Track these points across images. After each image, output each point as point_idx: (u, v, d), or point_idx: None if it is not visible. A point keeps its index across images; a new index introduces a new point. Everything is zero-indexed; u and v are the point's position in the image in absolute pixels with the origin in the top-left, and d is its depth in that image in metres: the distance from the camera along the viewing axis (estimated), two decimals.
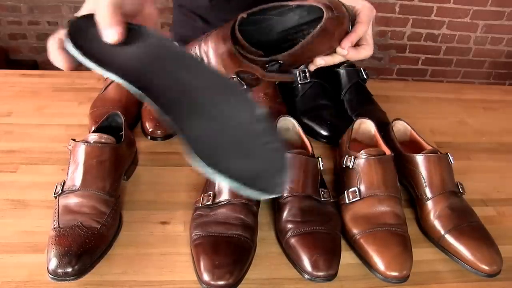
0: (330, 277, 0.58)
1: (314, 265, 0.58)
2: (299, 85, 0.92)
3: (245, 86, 0.56)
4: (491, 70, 2.61)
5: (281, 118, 0.80)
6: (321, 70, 0.93)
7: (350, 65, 0.95)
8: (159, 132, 0.81)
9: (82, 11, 0.48)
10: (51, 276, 0.54)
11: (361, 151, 0.70)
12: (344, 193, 0.69)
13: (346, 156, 0.72)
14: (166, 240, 0.64)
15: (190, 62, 0.48)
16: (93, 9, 0.47)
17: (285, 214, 0.65)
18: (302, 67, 0.92)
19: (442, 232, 0.65)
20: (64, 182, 0.64)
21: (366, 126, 0.81)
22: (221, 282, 0.55)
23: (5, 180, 0.72)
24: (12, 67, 1.79)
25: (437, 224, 0.66)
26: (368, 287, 0.61)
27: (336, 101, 0.93)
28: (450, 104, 1.07)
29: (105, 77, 0.87)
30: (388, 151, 0.72)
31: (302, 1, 0.55)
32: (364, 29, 0.57)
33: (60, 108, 0.91)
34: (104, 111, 0.80)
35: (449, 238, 0.64)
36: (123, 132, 0.72)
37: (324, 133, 0.86)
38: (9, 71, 1.04)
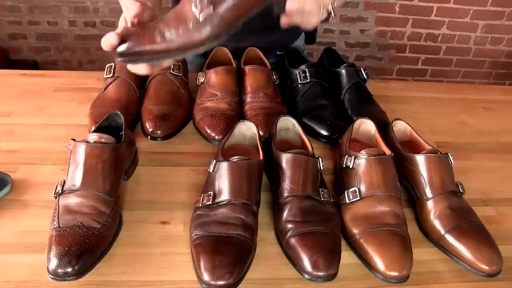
0: (330, 277, 0.59)
1: (314, 265, 0.58)
2: (299, 85, 0.92)
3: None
4: (491, 70, 2.61)
5: (281, 118, 0.80)
6: (321, 70, 0.94)
7: (350, 65, 0.95)
8: (159, 132, 0.81)
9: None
10: (51, 276, 0.55)
11: (361, 151, 0.70)
12: (344, 193, 0.69)
13: (346, 156, 0.72)
14: (166, 240, 0.64)
15: None
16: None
17: (285, 214, 0.65)
18: (302, 67, 0.92)
19: (442, 232, 0.65)
20: (64, 182, 0.64)
21: (366, 126, 0.81)
22: (221, 282, 0.55)
23: None
24: (12, 67, 1.79)
25: (437, 224, 0.66)
26: (368, 287, 0.61)
27: (336, 101, 0.93)
28: (450, 104, 1.07)
29: (106, 77, 0.87)
30: (388, 151, 0.72)
31: None
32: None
33: (60, 108, 0.91)
34: (104, 111, 0.80)
35: (449, 238, 0.64)
36: (123, 132, 0.72)
37: (324, 133, 0.86)
38: (9, 71, 1.04)
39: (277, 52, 1.10)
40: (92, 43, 2.30)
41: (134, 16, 0.61)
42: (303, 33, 1.17)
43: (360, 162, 0.69)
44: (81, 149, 0.63)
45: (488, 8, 2.32)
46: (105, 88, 0.86)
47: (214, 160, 0.67)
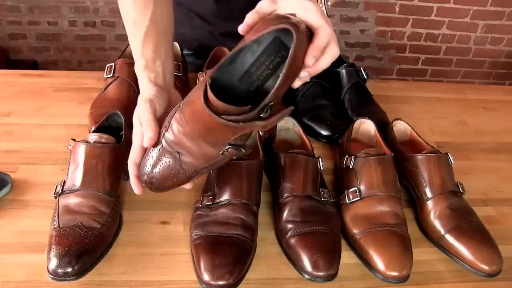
0: (330, 277, 0.58)
1: (314, 265, 0.58)
2: None
3: (243, 151, 0.54)
4: (491, 70, 2.61)
5: None
6: None
7: (350, 65, 0.95)
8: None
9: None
10: (51, 276, 0.54)
11: (361, 151, 0.70)
12: (344, 193, 0.69)
13: (346, 156, 0.72)
14: (166, 240, 0.64)
15: None
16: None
17: (285, 214, 0.65)
18: None
19: (442, 232, 0.65)
20: (64, 182, 0.64)
21: (366, 126, 0.81)
22: (221, 282, 0.55)
23: None
24: (12, 67, 1.79)
25: (437, 224, 0.66)
26: (368, 287, 0.61)
27: (336, 101, 0.93)
28: (450, 104, 1.07)
29: (106, 77, 0.87)
30: (388, 151, 0.72)
31: (255, 34, 0.49)
32: (324, 35, 0.50)
33: (60, 108, 0.91)
34: (104, 111, 0.79)
35: (449, 238, 0.64)
36: (123, 132, 0.72)
37: (324, 133, 0.86)
38: (9, 71, 1.04)
39: None
40: (92, 43, 2.30)
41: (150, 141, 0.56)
42: None
43: (360, 162, 0.69)
44: (81, 149, 0.63)
45: (488, 8, 2.32)
46: (105, 88, 0.86)
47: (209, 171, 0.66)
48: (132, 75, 0.87)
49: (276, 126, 0.79)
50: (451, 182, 0.69)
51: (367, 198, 0.67)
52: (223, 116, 0.48)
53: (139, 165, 0.57)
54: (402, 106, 1.03)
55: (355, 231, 0.65)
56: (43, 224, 0.62)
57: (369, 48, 2.46)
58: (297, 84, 0.53)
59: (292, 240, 0.61)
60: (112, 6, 2.18)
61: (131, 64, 0.88)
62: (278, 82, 0.48)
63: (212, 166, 0.56)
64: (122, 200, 0.69)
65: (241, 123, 0.48)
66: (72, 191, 0.62)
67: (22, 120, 0.86)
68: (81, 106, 0.90)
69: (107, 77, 0.87)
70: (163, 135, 0.54)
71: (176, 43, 0.98)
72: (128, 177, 0.72)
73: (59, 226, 0.58)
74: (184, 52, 0.99)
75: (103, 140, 0.66)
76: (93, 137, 0.66)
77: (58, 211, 0.61)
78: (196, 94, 0.50)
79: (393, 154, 0.71)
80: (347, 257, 0.64)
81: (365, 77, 0.94)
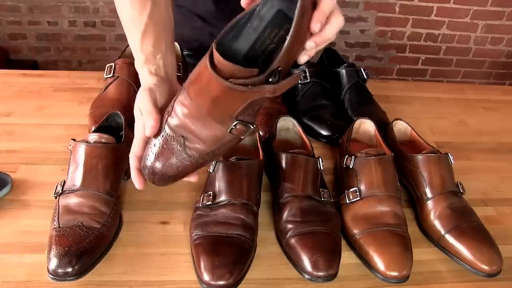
0: (330, 277, 0.58)
1: (314, 265, 0.58)
2: (299, 85, 0.92)
3: (252, 127, 0.51)
4: (491, 70, 2.61)
5: (281, 118, 0.80)
6: (321, 70, 0.94)
7: (350, 65, 0.95)
8: None
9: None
10: (51, 276, 0.55)
11: (361, 151, 0.70)
12: (344, 193, 0.69)
13: (346, 156, 0.72)
14: (166, 240, 0.64)
15: None
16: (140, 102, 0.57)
17: (285, 214, 0.65)
18: (302, 66, 0.92)
19: (442, 232, 0.65)
20: (64, 182, 0.64)
21: (366, 126, 0.81)
22: (221, 282, 0.55)
23: None
24: (12, 67, 1.79)
25: (437, 224, 0.66)
26: (368, 287, 0.61)
27: (336, 101, 0.93)
28: (450, 104, 1.07)
29: (106, 77, 0.87)
30: (388, 151, 0.72)
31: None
32: (328, 2, 0.48)
33: (60, 108, 0.91)
34: (104, 111, 0.79)
35: (449, 238, 0.64)
36: (123, 132, 0.72)
37: (324, 133, 0.86)
38: (9, 71, 1.04)
39: None
40: (92, 43, 2.30)
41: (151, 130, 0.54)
42: None
43: (360, 162, 0.69)
44: (81, 149, 0.63)
45: (488, 8, 2.32)
46: (105, 88, 0.86)
47: (214, 160, 0.67)
48: (132, 75, 0.87)
49: (276, 126, 0.79)
50: (451, 182, 0.69)
51: (367, 198, 0.67)
52: (231, 80, 0.45)
53: (141, 158, 0.55)
54: (402, 106, 1.03)
55: (355, 231, 0.65)
56: (43, 224, 0.62)
57: (369, 48, 2.46)
58: (303, 59, 0.51)
59: (292, 240, 0.61)
60: (112, 6, 2.18)
61: (131, 64, 0.88)
62: (285, 45, 0.45)
63: (219, 150, 0.53)
64: (122, 200, 0.69)
65: (249, 87, 0.45)
66: (72, 191, 0.62)
67: (22, 120, 0.86)
68: (81, 106, 0.90)
69: (107, 77, 0.87)
70: (166, 120, 0.52)
71: (176, 43, 0.98)
72: (128, 177, 0.72)
73: (59, 226, 0.58)
74: (184, 52, 0.99)
75: (103, 140, 0.66)
76: (93, 137, 0.66)
77: (58, 211, 0.61)
78: (201, 64, 0.47)
79: (393, 154, 0.71)
80: (347, 257, 0.64)
81: (365, 77, 0.94)
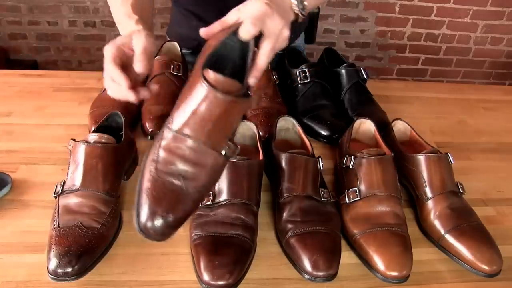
0: (330, 277, 0.59)
1: (314, 265, 0.58)
2: (299, 85, 0.92)
3: (238, 147, 0.54)
4: (491, 70, 2.61)
5: (281, 118, 0.80)
6: (321, 70, 0.94)
7: (350, 65, 0.95)
8: (159, 132, 0.81)
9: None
10: (51, 276, 0.55)
11: (361, 151, 0.70)
12: (344, 193, 0.69)
13: (346, 156, 0.72)
14: (166, 240, 0.64)
15: None
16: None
17: (285, 214, 0.65)
18: (302, 66, 0.92)
19: (442, 232, 0.65)
20: (64, 182, 0.64)
21: (366, 126, 0.81)
22: (221, 282, 0.55)
23: None
24: (12, 67, 1.79)
25: (437, 224, 0.66)
26: (368, 287, 0.61)
27: (336, 101, 0.93)
28: (450, 104, 1.07)
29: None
30: (388, 151, 0.72)
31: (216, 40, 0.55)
32: (263, 58, 0.56)
33: (60, 108, 0.91)
34: (104, 111, 0.79)
35: (449, 238, 0.64)
36: (123, 132, 0.72)
37: (324, 133, 0.86)
38: (9, 71, 1.04)
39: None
40: (92, 43, 2.30)
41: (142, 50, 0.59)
42: (302, 32, 1.17)
43: (360, 162, 0.69)
44: (81, 149, 0.63)
45: (488, 8, 2.32)
46: (105, 88, 0.86)
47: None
48: None
49: (276, 126, 0.79)
50: (451, 182, 0.69)
51: (367, 198, 0.67)
52: (231, 94, 0.48)
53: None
54: (402, 106, 1.03)
55: (355, 231, 0.65)
56: (43, 224, 0.62)
57: (369, 48, 2.46)
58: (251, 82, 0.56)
59: (292, 240, 0.61)
60: None
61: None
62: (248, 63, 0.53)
63: (217, 178, 0.54)
64: (122, 200, 0.69)
65: (244, 98, 0.50)
66: (72, 191, 0.62)
67: (22, 120, 0.86)
68: (81, 106, 0.90)
69: None
70: (155, 168, 0.51)
71: (175, 43, 0.98)
72: (128, 177, 0.72)
73: (59, 226, 0.58)
74: (184, 51, 0.99)
75: (103, 140, 0.66)
76: (93, 137, 0.66)
77: (58, 211, 0.61)
78: (196, 93, 0.49)
79: (393, 154, 0.71)
80: (347, 257, 0.64)
81: (365, 77, 0.94)
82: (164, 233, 0.51)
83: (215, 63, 0.54)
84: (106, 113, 0.75)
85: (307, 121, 0.88)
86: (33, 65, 2.30)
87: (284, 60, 0.99)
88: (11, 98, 0.93)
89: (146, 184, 0.51)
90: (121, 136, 0.71)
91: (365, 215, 0.66)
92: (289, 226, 0.63)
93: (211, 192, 0.65)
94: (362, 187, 0.67)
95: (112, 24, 2.24)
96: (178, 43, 0.97)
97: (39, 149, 0.79)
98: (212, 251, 0.58)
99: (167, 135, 0.52)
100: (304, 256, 0.59)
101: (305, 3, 0.63)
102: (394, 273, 0.59)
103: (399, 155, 0.74)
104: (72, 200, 0.61)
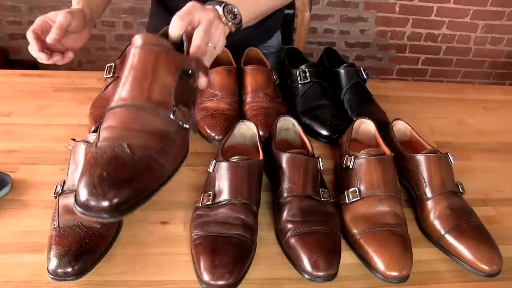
0: (330, 277, 0.59)
1: (314, 265, 0.58)
2: (299, 85, 0.92)
3: (191, 112, 0.53)
4: (491, 70, 2.61)
5: (281, 118, 0.80)
6: (321, 70, 0.94)
7: (350, 65, 0.95)
8: None
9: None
10: (51, 276, 0.55)
11: (361, 151, 0.70)
12: (344, 193, 0.69)
13: (346, 156, 0.72)
14: (166, 240, 0.64)
15: None
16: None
17: (285, 214, 0.65)
18: (302, 66, 0.92)
19: (442, 232, 0.65)
20: (64, 182, 0.64)
21: (366, 126, 0.81)
22: (221, 282, 0.55)
23: None
24: (12, 67, 1.79)
25: (437, 224, 0.66)
26: (368, 287, 0.61)
27: (336, 101, 0.93)
28: (450, 104, 1.07)
29: (105, 77, 0.87)
30: (388, 151, 0.72)
31: None
32: (196, 37, 0.59)
33: (60, 108, 0.91)
34: (104, 111, 0.79)
35: (449, 238, 0.64)
36: None
37: (324, 133, 0.86)
38: (9, 71, 1.04)
39: None
40: (92, 43, 2.30)
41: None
42: (278, 32, 1.18)
43: (360, 162, 0.69)
44: (81, 149, 0.63)
45: (488, 8, 2.32)
46: (105, 88, 0.86)
47: (214, 160, 0.67)
48: None
49: (276, 126, 0.79)
50: (451, 182, 0.69)
51: (367, 198, 0.67)
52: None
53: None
54: (402, 106, 1.03)
55: (355, 231, 0.65)
56: (43, 224, 0.62)
57: (369, 48, 2.46)
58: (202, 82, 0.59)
59: (292, 240, 0.61)
60: (112, 6, 2.18)
61: None
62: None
63: (169, 147, 0.49)
64: None
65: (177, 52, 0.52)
66: (72, 191, 0.62)
67: (22, 120, 0.86)
68: (81, 106, 0.90)
69: (107, 77, 0.87)
70: (96, 143, 0.47)
71: None
72: None
73: (59, 226, 0.58)
74: None
75: None
76: (93, 137, 0.66)
77: (58, 211, 0.61)
78: (133, 53, 0.52)
79: (393, 154, 0.71)
80: (347, 257, 0.64)
81: (365, 77, 0.94)
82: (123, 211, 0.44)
83: None
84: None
85: (307, 121, 0.88)
86: (33, 65, 2.30)
87: (284, 60, 0.99)
88: (11, 98, 0.93)
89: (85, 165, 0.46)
90: None
91: (365, 215, 0.66)
92: (289, 226, 0.63)
93: (211, 192, 0.65)
94: (362, 187, 0.67)
95: (112, 24, 2.25)
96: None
97: (39, 149, 0.79)
98: (212, 251, 0.58)
99: (105, 117, 0.50)
100: (304, 256, 0.59)
101: (235, 11, 0.66)
102: (394, 273, 0.59)
103: (399, 155, 0.74)
104: (72, 200, 0.61)
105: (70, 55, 0.76)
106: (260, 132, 0.78)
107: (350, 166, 0.70)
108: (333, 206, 0.68)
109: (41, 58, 0.73)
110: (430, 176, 0.69)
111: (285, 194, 0.66)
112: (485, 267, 0.61)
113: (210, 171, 0.66)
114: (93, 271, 0.57)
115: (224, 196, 0.63)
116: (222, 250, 0.58)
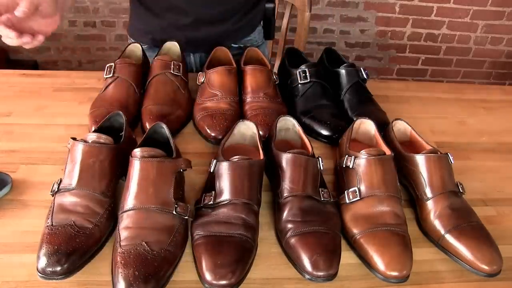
0: (330, 277, 0.59)
1: (314, 265, 0.58)
2: (299, 85, 0.92)
3: (188, 205, 0.63)
4: (491, 70, 2.61)
5: (281, 118, 0.80)
6: (321, 70, 0.94)
7: (350, 65, 0.95)
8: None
9: None
10: (39, 274, 0.54)
11: (361, 151, 0.70)
12: (344, 193, 0.69)
13: (346, 156, 0.72)
14: None
15: None
16: None
17: (285, 214, 0.65)
18: (302, 66, 0.92)
19: (442, 232, 0.65)
20: (61, 181, 0.64)
21: (366, 126, 0.81)
22: (223, 282, 0.55)
23: None
24: (12, 67, 1.79)
25: (437, 224, 0.66)
26: (368, 287, 0.61)
27: (336, 101, 0.93)
28: (450, 104, 1.07)
29: (105, 77, 0.87)
30: (388, 151, 0.72)
31: None
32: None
33: (60, 108, 0.91)
34: (104, 111, 0.80)
35: (449, 238, 0.64)
36: (123, 133, 0.72)
37: (324, 133, 0.86)
38: (9, 71, 1.04)
39: (232, 45, 1.12)
40: (92, 43, 2.30)
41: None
42: (260, 27, 1.19)
43: (360, 162, 0.69)
44: (79, 148, 0.63)
45: (488, 8, 2.32)
46: (105, 88, 0.86)
47: (215, 160, 0.67)
48: (132, 75, 0.87)
49: (276, 126, 0.79)
50: (451, 182, 0.69)
51: (367, 198, 0.67)
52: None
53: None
54: (402, 106, 1.03)
55: (355, 231, 0.65)
56: (43, 224, 0.62)
57: (369, 48, 2.46)
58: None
59: (292, 240, 0.61)
60: (112, 6, 2.18)
61: (131, 64, 0.88)
62: None
63: (176, 238, 0.60)
64: (119, 201, 0.69)
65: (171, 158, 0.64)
66: (67, 190, 0.62)
67: (22, 120, 0.86)
68: (81, 106, 0.90)
69: (107, 77, 0.87)
70: (119, 242, 0.58)
71: (175, 43, 0.98)
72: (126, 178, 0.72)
73: (52, 225, 0.58)
74: (144, 46, 1.00)
75: (101, 140, 0.65)
76: (92, 136, 0.65)
77: (53, 209, 0.60)
78: (134, 169, 0.62)
79: (393, 154, 0.71)
80: (347, 257, 0.64)
81: (365, 77, 0.94)
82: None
83: None
84: (106, 113, 0.75)
85: (307, 121, 0.88)
86: (33, 65, 2.30)
87: (284, 60, 0.99)
88: (11, 98, 0.93)
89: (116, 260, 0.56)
90: (121, 137, 0.71)
91: (365, 215, 0.66)
92: (289, 226, 0.63)
93: (212, 192, 0.65)
94: (362, 187, 0.67)
95: (112, 24, 2.25)
96: (134, 39, 0.97)
97: (39, 149, 0.79)
98: (213, 251, 0.58)
99: (121, 218, 0.60)
100: (304, 256, 0.59)
101: None
102: (394, 273, 0.59)
103: (399, 155, 0.74)
104: (67, 199, 0.61)
105: (40, 38, 0.72)
106: (260, 132, 0.78)
107: (350, 166, 0.70)
108: (333, 206, 0.68)
109: (10, 36, 0.68)
110: (430, 176, 0.69)
111: (285, 194, 0.66)
112: (485, 267, 0.61)
113: (211, 171, 0.66)
114: (93, 271, 0.57)
115: (225, 195, 0.63)
116: (224, 249, 0.58)
